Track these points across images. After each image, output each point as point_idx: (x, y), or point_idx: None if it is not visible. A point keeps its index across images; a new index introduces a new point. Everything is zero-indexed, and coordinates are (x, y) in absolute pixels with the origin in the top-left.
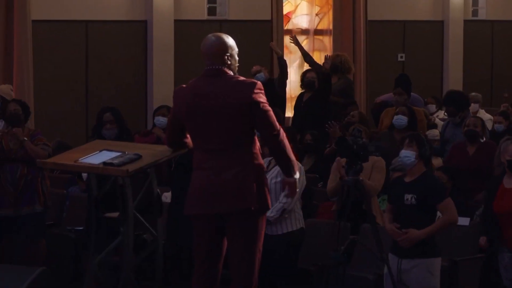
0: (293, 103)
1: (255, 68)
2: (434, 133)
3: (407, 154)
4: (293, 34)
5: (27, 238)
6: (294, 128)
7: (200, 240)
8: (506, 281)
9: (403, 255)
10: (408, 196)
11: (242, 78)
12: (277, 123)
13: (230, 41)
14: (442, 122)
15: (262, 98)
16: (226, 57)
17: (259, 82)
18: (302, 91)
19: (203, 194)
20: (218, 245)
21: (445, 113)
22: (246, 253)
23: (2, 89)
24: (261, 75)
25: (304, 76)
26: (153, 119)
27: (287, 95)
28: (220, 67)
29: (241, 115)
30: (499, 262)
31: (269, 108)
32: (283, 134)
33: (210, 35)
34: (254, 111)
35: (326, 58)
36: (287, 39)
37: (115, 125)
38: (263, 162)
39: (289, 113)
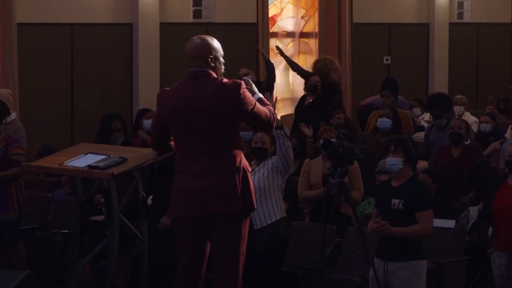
0: (279, 105)
1: (242, 70)
2: (421, 135)
3: (394, 162)
4: (278, 45)
5: (4, 243)
6: (293, 129)
7: (184, 244)
8: (498, 280)
9: (389, 258)
10: (395, 201)
11: (225, 80)
12: (267, 112)
13: (215, 43)
14: (428, 124)
15: (247, 97)
16: (209, 59)
17: (242, 82)
18: (305, 93)
19: (188, 197)
20: (201, 248)
21: (431, 116)
22: (230, 256)
23: (1, 93)
24: (249, 77)
25: (308, 80)
26: (137, 121)
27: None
28: (203, 69)
29: (226, 117)
30: (493, 269)
31: (255, 104)
32: (274, 115)
33: (195, 37)
34: (242, 112)
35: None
36: (272, 42)
37: (122, 132)
38: (247, 163)
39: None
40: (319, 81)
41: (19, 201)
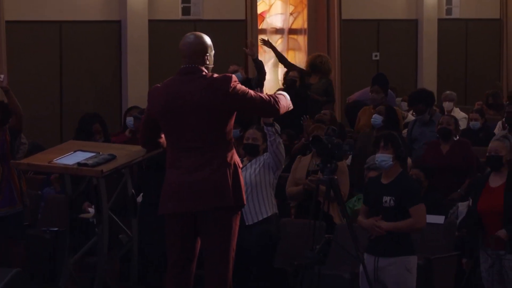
0: None
1: (232, 67)
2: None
3: (384, 158)
4: (264, 39)
5: (7, 239)
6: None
7: (174, 240)
8: (486, 282)
9: (380, 254)
10: (386, 198)
11: (216, 75)
12: (264, 96)
13: (209, 41)
14: None
15: (239, 88)
16: (206, 57)
17: (233, 75)
18: (280, 88)
19: (179, 193)
20: (192, 245)
21: (413, 113)
22: (220, 252)
23: None
24: (238, 74)
25: (286, 75)
26: (125, 119)
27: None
28: (195, 65)
29: (217, 111)
30: (480, 264)
31: (249, 91)
32: (275, 98)
33: (189, 34)
34: (238, 103)
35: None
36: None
37: (103, 134)
38: (238, 159)
39: None
40: (297, 76)
41: (22, 193)
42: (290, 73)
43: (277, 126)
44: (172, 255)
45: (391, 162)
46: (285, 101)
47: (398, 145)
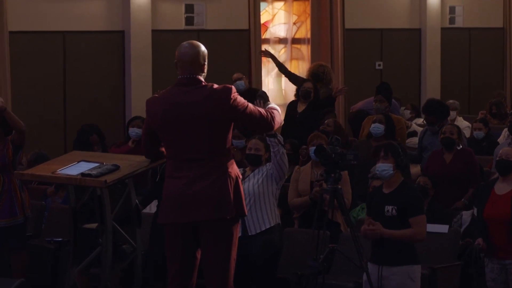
0: None
1: (236, 75)
2: (415, 141)
3: (384, 168)
4: (264, 50)
5: (8, 250)
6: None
7: (174, 251)
8: (491, 284)
9: (384, 263)
10: (388, 208)
11: (216, 85)
12: (262, 112)
13: (205, 49)
14: (421, 129)
15: (238, 101)
16: (203, 66)
17: (233, 87)
18: (295, 99)
19: (179, 203)
20: (192, 255)
21: (424, 121)
22: (221, 262)
23: None
24: (242, 83)
25: (300, 86)
26: (128, 129)
27: None
28: (194, 76)
29: (217, 122)
30: (486, 273)
31: (248, 105)
32: (272, 114)
33: (185, 43)
34: (235, 115)
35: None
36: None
37: (100, 145)
38: (238, 169)
39: None
40: (312, 87)
41: (24, 204)
42: (305, 85)
43: (280, 137)
44: (173, 265)
45: (392, 172)
46: (279, 117)
47: (398, 154)
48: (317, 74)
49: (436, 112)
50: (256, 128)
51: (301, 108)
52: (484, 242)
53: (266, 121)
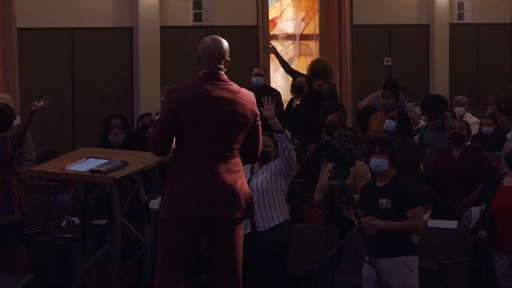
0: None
1: (257, 70)
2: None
3: (380, 163)
4: (268, 45)
5: (8, 246)
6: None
7: (183, 245)
8: (501, 280)
9: (381, 255)
10: (382, 201)
11: (237, 86)
12: (261, 140)
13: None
14: None
15: (258, 112)
16: (227, 62)
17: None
18: (292, 96)
19: (201, 197)
20: (192, 252)
21: (425, 118)
22: (235, 258)
23: (5, 97)
24: (261, 79)
25: (294, 81)
26: (137, 126)
27: None
28: (220, 71)
29: (243, 123)
30: (495, 269)
31: (260, 123)
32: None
33: (214, 37)
34: (253, 124)
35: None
36: (273, 45)
37: (123, 131)
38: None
39: None
40: (305, 82)
41: (21, 202)
42: (298, 79)
43: (288, 133)
44: (177, 261)
45: (387, 167)
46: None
47: (394, 150)
48: (317, 70)
49: (434, 107)
50: (250, 147)
51: (295, 103)
52: (490, 236)
53: (258, 149)
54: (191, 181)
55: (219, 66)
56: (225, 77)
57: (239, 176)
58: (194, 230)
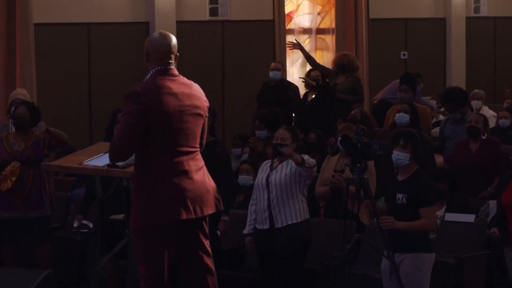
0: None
1: (274, 64)
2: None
3: (401, 157)
4: (293, 41)
5: (33, 241)
6: (297, 126)
7: (158, 251)
8: None
9: (395, 249)
10: (399, 196)
11: (186, 78)
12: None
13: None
14: None
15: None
16: (177, 57)
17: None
18: (307, 90)
19: (184, 199)
20: (168, 256)
21: (445, 110)
22: (210, 255)
23: (22, 93)
24: (278, 74)
25: (308, 75)
26: None
27: None
28: (172, 67)
29: (203, 116)
30: (507, 262)
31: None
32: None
33: (161, 33)
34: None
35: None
36: (289, 39)
37: None
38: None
39: None
40: (319, 75)
41: (51, 197)
42: (312, 73)
43: (308, 162)
44: (157, 268)
45: (408, 162)
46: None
47: (417, 145)
48: (342, 64)
49: (454, 99)
50: (201, 140)
51: (311, 97)
52: (501, 231)
53: (204, 141)
54: (173, 184)
55: (169, 61)
56: (177, 72)
57: (204, 171)
58: (177, 234)
